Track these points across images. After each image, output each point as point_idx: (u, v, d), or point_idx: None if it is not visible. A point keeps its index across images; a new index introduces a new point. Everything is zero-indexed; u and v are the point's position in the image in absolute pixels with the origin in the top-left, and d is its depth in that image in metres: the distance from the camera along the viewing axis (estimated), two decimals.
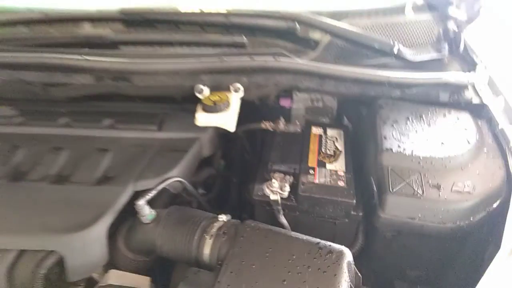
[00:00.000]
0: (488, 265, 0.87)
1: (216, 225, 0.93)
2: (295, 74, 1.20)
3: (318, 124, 1.32)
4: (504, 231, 0.93)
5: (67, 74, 1.19)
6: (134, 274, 0.99)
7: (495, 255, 0.89)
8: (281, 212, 1.02)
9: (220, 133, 1.25)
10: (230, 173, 1.43)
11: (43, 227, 0.92)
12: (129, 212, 1.00)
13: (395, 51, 1.27)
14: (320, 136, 1.25)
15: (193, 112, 1.19)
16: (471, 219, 0.98)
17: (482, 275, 0.86)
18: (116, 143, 1.16)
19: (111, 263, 0.99)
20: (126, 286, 0.95)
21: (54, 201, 0.99)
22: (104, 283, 0.96)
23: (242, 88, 1.17)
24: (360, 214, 1.03)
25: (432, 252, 1.03)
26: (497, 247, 0.91)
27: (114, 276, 0.97)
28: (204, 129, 1.20)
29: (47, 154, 1.12)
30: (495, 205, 1.00)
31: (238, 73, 1.18)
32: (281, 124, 1.30)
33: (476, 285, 0.84)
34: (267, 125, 1.31)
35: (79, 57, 1.16)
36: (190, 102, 1.23)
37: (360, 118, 1.38)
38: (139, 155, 1.12)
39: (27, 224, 0.94)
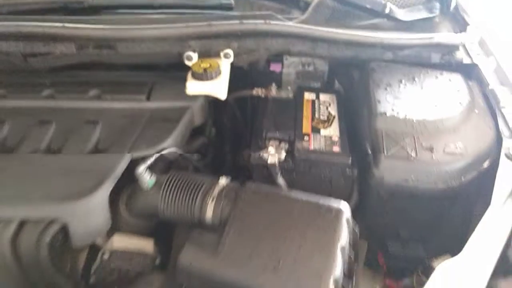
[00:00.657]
0: (478, 222, 0.90)
1: (218, 187, 0.94)
2: (286, 37, 1.16)
3: (310, 89, 1.30)
4: (494, 189, 0.96)
5: (47, 43, 1.13)
6: (138, 237, 1.00)
7: (484, 212, 0.92)
8: (279, 174, 1.03)
9: (211, 101, 1.23)
10: (222, 141, 1.42)
11: (44, 196, 0.91)
12: (127, 180, 1.00)
13: (387, 11, 1.24)
14: (313, 101, 1.24)
15: (182, 80, 1.17)
16: (462, 179, 1.01)
17: (471, 232, 0.89)
18: (105, 114, 1.13)
19: (114, 229, 1.00)
20: (129, 250, 0.97)
21: (51, 170, 0.98)
22: (109, 246, 0.97)
23: (232, 54, 1.14)
24: (355, 171, 1.05)
25: (424, 212, 1.06)
26: (487, 205, 0.93)
27: (119, 239, 0.99)
28: (195, 97, 1.17)
29: (35, 128, 1.09)
30: (485, 165, 1.02)
31: (228, 38, 1.14)
32: (273, 90, 1.28)
33: (465, 243, 0.87)
34: (258, 91, 1.29)
35: (59, 24, 1.10)
36: (179, 70, 1.20)
37: (351, 82, 1.37)
38: (130, 126, 1.09)
39: (27, 194, 0.92)
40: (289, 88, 1.31)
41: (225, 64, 1.14)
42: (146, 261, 0.98)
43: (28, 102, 1.17)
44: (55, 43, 1.12)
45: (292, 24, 1.16)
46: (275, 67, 1.41)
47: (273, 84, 1.29)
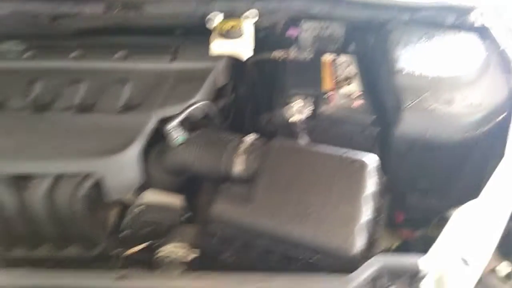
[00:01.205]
0: (492, 173, 0.96)
1: (246, 143, 0.98)
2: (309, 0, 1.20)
3: (328, 51, 1.34)
4: (508, 141, 1.01)
5: (75, 3, 1.16)
6: (167, 193, 1.05)
7: (498, 163, 0.97)
8: (303, 131, 1.08)
9: (231, 64, 1.27)
10: (242, 105, 1.46)
11: (79, 152, 0.96)
12: (156, 138, 1.04)
13: None
14: (333, 61, 1.28)
15: (204, 44, 1.20)
16: (478, 131, 1.06)
17: (486, 183, 0.94)
18: (132, 74, 1.17)
19: (143, 185, 1.05)
20: (160, 204, 1.02)
21: (83, 128, 1.02)
22: (140, 201, 1.02)
23: (256, 14, 1.17)
24: (377, 129, 1.09)
25: (441, 163, 1.11)
26: (501, 156, 0.99)
27: (149, 195, 1.03)
28: (218, 58, 1.21)
29: (66, 86, 1.13)
30: (500, 118, 1.07)
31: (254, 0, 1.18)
32: (293, 52, 1.32)
33: (480, 193, 0.92)
34: (278, 54, 1.32)
35: None
36: (200, 34, 1.23)
37: (366, 45, 1.40)
38: (158, 84, 1.13)
39: (63, 150, 0.97)
40: (307, 50, 1.35)
41: (248, 25, 1.17)
42: (176, 215, 1.03)
43: (57, 63, 1.21)
44: (84, 3, 1.15)
45: None
46: (292, 32, 1.44)
47: (293, 47, 1.33)
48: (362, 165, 0.90)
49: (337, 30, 1.44)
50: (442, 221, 1.12)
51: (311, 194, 0.87)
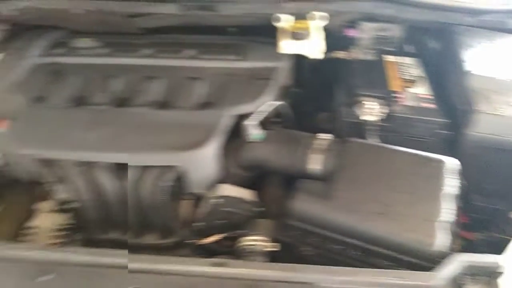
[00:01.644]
0: None
1: (322, 141, 1.01)
2: (377, 1, 1.22)
3: (388, 53, 1.36)
4: None
5: (151, 4, 1.21)
6: (241, 188, 1.09)
7: None
8: (374, 132, 1.10)
9: (294, 63, 1.30)
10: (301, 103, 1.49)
11: (163, 146, 1.01)
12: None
13: None
14: (396, 62, 1.29)
15: (272, 43, 1.24)
16: None
17: None
18: (203, 72, 1.22)
19: (218, 180, 1.10)
20: (236, 197, 1.06)
21: (163, 123, 1.08)
22: (217, 194, 1.06)
23: (326, 16, 1.20)
24: (449, 132, 1.11)
25: (510, 166, 1.12)
26: None
27: (224, 189, 1.08)
28: (285, 58, 1.25)
29: (142, 82, 1.19)
30: None
31: (322, 1, 1.21)
32: (354, 53, 1.34)
33: None
34: (339, 54, 1.35)
35: None
36: (267, 35, 1.27)
37: (426, 47, 1.42)
38: (229, 82, 1.18)
39: (147, 144, 1.02)
40: (367, 51, 1.37)
41: (318, 25, 1.20)
42: (251, 208, 1.07)
43: (130, 60, 1.27)
44: (160, 3, 1.20)
45: None
46: (351, 32, 1.46)
47: (355, 47, 1.35)
48: (442, 164, 0.92)
49: (395, 31, 1.46)
50: (505, 223, 1.14)
51: (391, 192, 0.90)
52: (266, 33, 1.31)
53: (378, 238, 0.87)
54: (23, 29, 1.45)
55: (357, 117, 1.12)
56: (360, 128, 1.12)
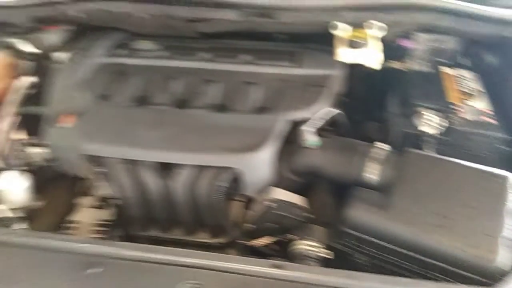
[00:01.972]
0: None
1: (381, 151, 1.02)
2: (438, 12, 1.21)
3: (444, 64, 1.34)
4: None
5: (213, 10, 1.25)
6: (291, 193, 1.11)
7: None
8: (431, 144, 1.10)
9: (347, 72, 1.31)
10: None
11: (221, 147, 1.04)
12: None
13: None
14: (453, 75, 1.28)
15: (324, 51, 1.26)
16: None
17: None
18: (259, 77, 1.25)
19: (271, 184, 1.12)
20: (289, 202, 1.08)
21: (221, 125, 1.11)
22: (271, 197, 1.08)
23: (385, 26, 1.20)
24: (509, 149, 1.08)
25: None
26: None
27: (277, 193, 1.10)
28: (339, 66, 1.26)
29: (200, 85, 1.23)
30: None
31: (380, 11, 1.21)
32: (409, 63, 1.33)
33: None
34: (395, 64, 1.35)
35: None
36: (319, 42, 1.29)
37: (482, 60, 1.39)
38: (285, 88, 1.20)
39: (205, 144, 1.06)
40: (422, 62, 1.36)
41: (376, 35, 1.21)
42: (302, 213, 1.09)
43: (189, 63, 1.31)
44: (221, 9, 1.24)
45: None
46: (405, 43, 1.45)
47: (410, 58, 1.34)
48: (506, 180, 0.91)
49: (452, 43, 1.44)
50: None
51: (451, 205, 0.90)
52: (318, 40, 1.34)
53: (436, 251, 0.86)
54: (87, 30, 1.54)
55: (415, 128, 1.11)
56: (417, 140, 1.12)
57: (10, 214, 1.14)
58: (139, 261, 0.86)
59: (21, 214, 1.19)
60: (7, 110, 1.45)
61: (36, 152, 1.36)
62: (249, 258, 0.88)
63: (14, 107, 1.45)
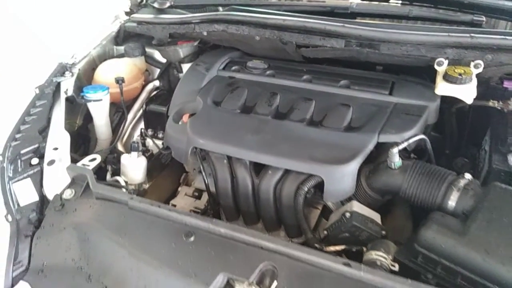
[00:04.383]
0: None
1: (463, 180, 1.05)
2: None
3: None
4: None
5: (322, 38, 1.40)
6: (368, 208, 1.18)
7: None
8: None
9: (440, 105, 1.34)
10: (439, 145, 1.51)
11: (310, 156, 1.16)
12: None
13: None
14: None
15: (418, 83, 1.32)
16: None
17: None
18: (354, 101, 1.35)
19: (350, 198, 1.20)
20: (366, 215, 1.15)
21: (313, 138, 1.23)
22: (349, 209, 1.16)
23: (482, 65, 1.23)
24: None
25: None
26: None
27: (355, 206, 1.17)
28: (432, 99, 1.31)
29: (300, 102, 1.37)
30: None
31: (484, 50, 1.24)
32: (511, 105, 1.33)
33: None
34: (495, 103, 1.35)
35: (339, 24, 1.36)
36: (411, 74, 1.35)
37: None
38: (377, 112, 1.28)
39: (296, 152, 1.19)
40: None
41: (474, 72, 1.24)
42: (377, 229, 1.14)
43: (291, 82, 1.48)
44: (329, 38, 1.38)
45: None
46: (508, 84, 1.44)
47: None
48: None
49: None
50: None
51: None
52: (412, 72, 1.40)
53: (504, 280, 0.86)
54: (208, 46, 1.81)
55: (506, 165, 1.11)
56: (507, 177, 1.11)
57: (125, 185, 1.38)
58: (226, 238, 1.01)
59: (132, 188, 1.43)
60: (136, 106, 1.76)
61: (153, 142, 1.63)
62: (321, 252, 0.97)
63: (141, 104, 1.76)
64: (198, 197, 1.53)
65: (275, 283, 0.91)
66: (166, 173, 1.64)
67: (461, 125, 1.49)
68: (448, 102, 1.37)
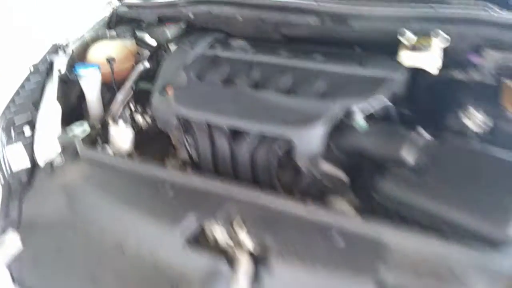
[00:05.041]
0: None
1: (420, 137, 1.13)
2: (501, 27, 1.29)
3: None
4: None
5: (298, 16, 1.49)
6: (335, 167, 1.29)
7: None
8: (474, 140, 1.17)
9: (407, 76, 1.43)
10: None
11: (283, 121, 1.25)
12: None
13: None
14: None
15: (388, 56, 1.41)
16: None
17: None
18: (326, 73, 1.44)
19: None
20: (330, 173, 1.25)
21: (286, 105, 1.32)
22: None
23: (447, 37, 1.32)
24: None
25: None
26: None
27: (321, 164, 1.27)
28: (399, 70, 1.39)
29: (276, 74, 1.46)
30: None
31: (446, 23, 1.33)
32: (472, 75, 1.41)
33: None
34: (457, 74, 1.43)
35: (313, 2, 1.45)
36: (385, 48, 1.44)
37: None
38: (347, 83, 1.37)
39: (270, 118, 1.28)
40: (485, 75, 1.41)
41: (438, 43, 1.32)
42: (340, 182, 1.26)
43: (270, 58, 1.56)
44: (305, 15, 1.47)
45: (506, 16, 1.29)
46: (474, 58, 1.51)
47: (474, 70, 1.42)
48: None
49: None
50: None
51: (475, 188, 0.99)
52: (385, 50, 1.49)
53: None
54: (194, 29, 1.90)
55: (460, 123, 1.20)
56: (459, 134, 1.20)
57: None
58: (202, 190, 1.11)
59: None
60: (127, 84, 1.85)
61: (142, 117, 1.72)
62: (285, 198, 1.07)
63: (131, 84, 1.85)
64: (183, 169, 1.62)
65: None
66: (153, 147, 1.73)
67: (428, 95, 1.56)
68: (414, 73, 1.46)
